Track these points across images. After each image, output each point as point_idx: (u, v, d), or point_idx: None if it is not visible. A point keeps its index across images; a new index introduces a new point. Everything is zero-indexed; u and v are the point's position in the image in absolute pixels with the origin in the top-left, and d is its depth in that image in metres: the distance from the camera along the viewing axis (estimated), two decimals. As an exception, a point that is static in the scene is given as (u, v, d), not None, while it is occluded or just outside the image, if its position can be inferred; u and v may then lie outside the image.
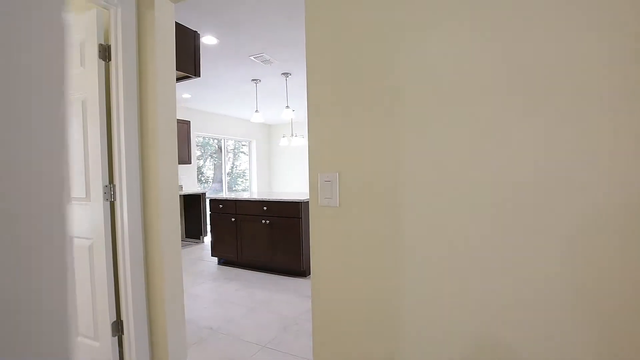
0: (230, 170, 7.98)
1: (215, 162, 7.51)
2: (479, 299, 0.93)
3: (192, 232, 5.83)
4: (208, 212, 4.31)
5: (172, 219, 1.84)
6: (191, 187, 6.22)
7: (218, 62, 3.74)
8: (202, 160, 7.16)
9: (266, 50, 3.40)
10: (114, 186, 1.77)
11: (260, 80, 4.42)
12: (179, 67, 2.07)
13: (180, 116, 5.99)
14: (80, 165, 1.82)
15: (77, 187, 1.84)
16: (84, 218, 1.81)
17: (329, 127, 1.15)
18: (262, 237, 3.90)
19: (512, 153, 0.88)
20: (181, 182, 6.00)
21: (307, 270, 3.79)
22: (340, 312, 1.15)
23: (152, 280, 1.82)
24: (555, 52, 0.82)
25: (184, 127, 5.63)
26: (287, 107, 4.16)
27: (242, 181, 8.21)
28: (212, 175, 7.48)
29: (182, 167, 6.01)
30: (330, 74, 1.13)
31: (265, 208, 3.85)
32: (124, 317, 1.81)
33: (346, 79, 1.10)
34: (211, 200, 4.28)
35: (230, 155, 7.97)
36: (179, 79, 2.28)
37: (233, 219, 4.09)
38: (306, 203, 3.75)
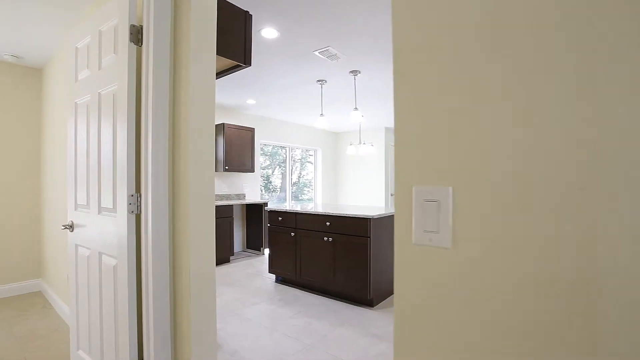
0: (297, 180, 7.77)
1: (283, 171, 7.35)
2: None
3: (253, 243, 5.61)
4: (267, 225, 3.97)
5: (205, 240, 1.44)
6: (254, 196, 6.07)
7: (280, 61, 3.42)
8: (270, 170, 7.04)
9: (332, 43, 2.98)
10: (139, 196, 1.45)
11: (326, 82, 4.02)
12: (225, 53, 1.72)
13: (245, 123, 5.90)
14: (109, 169, 1.54)
15: (106, 195, 1.57)
16: (113, 232, 1.51)
17: (437, 103, 0.62)
18: (323, 256, 3.43)
19: None
20: (244, 191, 5.86)
21: (375, 299, 3.20)
22: None
23: (179, 315, 1.44)
24: None
25: (248, 134, 5.50)
26: (356, 109, 3.68)
27: (308, 191, 7.95)
28: (280, 185, 7.33)
29: (246, 176, 5.88)
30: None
31: (328, 223, 3.38)
32: (145, 358, 1.45)
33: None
34: (270, 212, 3.95)
35: (297, 164, 7.76)
36: (226, 70, 1.94)
37: (292, 234, 3.69)
38: (377, 220, 3.18)
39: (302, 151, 7.68)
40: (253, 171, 5.61)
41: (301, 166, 7.86)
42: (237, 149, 5.31)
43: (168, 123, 1.44)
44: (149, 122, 1.41)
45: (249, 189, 5.95)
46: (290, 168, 7.08)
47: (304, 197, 7.83)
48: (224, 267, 4.65)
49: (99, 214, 1.62)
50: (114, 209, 1.51)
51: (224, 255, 4.81)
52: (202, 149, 1.43)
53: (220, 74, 2.00)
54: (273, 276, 4.14)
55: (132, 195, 1.44)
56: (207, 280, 1.45)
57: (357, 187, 7.75)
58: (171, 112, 1.46)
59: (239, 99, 4.91)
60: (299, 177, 7.83)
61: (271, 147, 6.85)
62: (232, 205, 4.93)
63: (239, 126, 5.35)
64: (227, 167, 5.16)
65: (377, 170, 7.37)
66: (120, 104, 1.47)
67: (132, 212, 1.43)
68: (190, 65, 1.39)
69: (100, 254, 1.62)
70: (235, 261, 5.02)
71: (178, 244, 1.44)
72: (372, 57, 3.29)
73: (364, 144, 6.16)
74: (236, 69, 1.91)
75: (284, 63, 3.45)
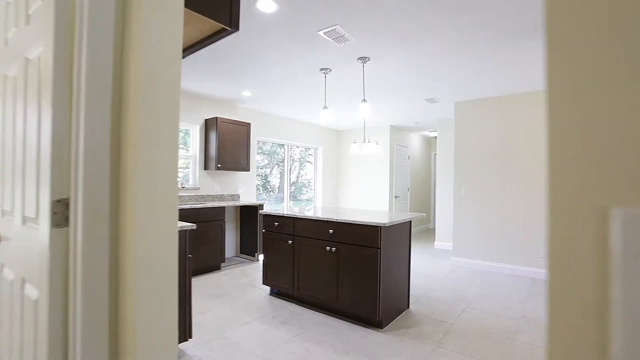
0: (295, 180, 7.34)
1: (281, 171, 6.92)
2: None
3: (247, 247, 5.17)
4: (262, 230, 3.53)
5: (164, 272, 0.99)
6: (249, 197, 5.62)
7: (279, 44, 2.98)
8: (268, 169, 6.61)
9: (340, 22, 2.54)
10: (67, 202, 1.00)
11: (330, 70, 3.58)
12: (203, 10, 1.27)
13: (241, 117, 5.45)
14: (33, 164, 1.09)
15: (29, 200, 1.12)
16: (36, 253, 1.06)
17: None
18: (325, 268, 2.99)
19: None
20: (238, 191, 5.41)
21: (385, 320, 2.76)
22: None
23: (125, 377, 0.99)
24: None
25: (243, 130, 5.05)
26: (364, 100, 3.24)
27: (307, 191, 7.52)
28: (279, 184, 6.91)
29: (240, 175, 5.43)
30: None
31: (331, 231, 2.93)
32: None
33: None
34: (265, 216, 3.50)
35: (297, 164, 7.33)
36: (207, 39, 1.49)
37: (290, 242, 3.25)
38: (388, 228, 2.74)
39: (301, 150, 7.23)
40: (248, 170, 5.16)
41: (300, 166, 7.42)
42: (231, 146, 4.87)
43: (110, 97, 0.99)
44: (81, 96, 0.96)
45: (243, 189, 5.50)
46: (289, 167, 6.63)
47: (303, 198, 7.39)
48: (214, 276, 4.20)
49: (23, 224, 1.18)
50: (37, 219, 1.06)
51: (214, 262, 4.36)
52: (161, 137, 0.99)
53: (199, 43, 1.55)
54: (267, 288, 3.69)
55: (59, 201, 0.99)
56: (166, 335, 1.00)
57: (360, 189, 7.30)
58: (116, 80, 1.01)
59: (234, 90, 4.46)
60: (298, 176, 7.41)
61: (269, 145, 6.40)
62: (224, 207, 4.48)
63: (233, 121, 4.90)
64: (219, 165, 4.71)
65: (382, 171, 6.93)
66: (46, 71, 1.02)
67: (58, 225, 0.99)
68: (145, 9, 0.94)
69: (23, 280, 1.18)
70: (226, 268, 4.57)
71: (124, 273, 0.99)
72: (383, 41, 2.85)
73: (369, 142, 5.71)
74: (219, 36, 1.46)
75: (284, 46, 3.01)
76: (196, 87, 4.37)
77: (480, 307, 3.25)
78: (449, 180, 6.02)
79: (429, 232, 7.97)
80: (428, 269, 4.67)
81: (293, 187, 7.21)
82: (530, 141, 4.34)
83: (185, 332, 2.29)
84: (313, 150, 7.35)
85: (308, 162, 7.55)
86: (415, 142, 8.06)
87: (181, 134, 4.82)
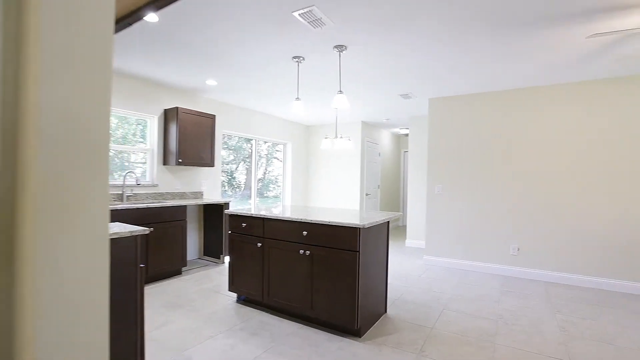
0: (262, 176, 7.01)
1: (248, 167, 6.56)
2: None
3: (212, 249, 4.80)
4: (227, 231, 3.22)
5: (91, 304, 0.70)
6: (214, 195, 5.23)
7: (249, 26, 2.68)
8: (235, 165, 6.24)
9: (317, 3, 2.29)
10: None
11: (303, 59, 3.32)
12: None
13: (204, 109, 5.04)
14: None
15: None
16: None
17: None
18: (299, 273, 2.75)
19: None
20: (202, 188, 5.02)
21: (363, 327, 2.58)
22: None
23: None
24: None
25: (207, 122, 4.66)
26: (340, 92, 3.02)
27: (274, 187, 7.22)
28: (245, 181, 6.54)
29: (204, 171, 5.04)
30: None
31: (305, 233, 2.69)
32: None
33: None
34: (231, 217, 3.19)
35: (264, 160, 7.00)
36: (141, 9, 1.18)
37: (259, 244, 2.97)
38: (367, 230, 2.55)
39: (269, 146, 6.92)
40: (213, 165, 4.78)
41: (267, 162, 7.11)
42: (193, 139, 4.47)
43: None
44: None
45: (207, 186, 5.11)
46: (256, 163, 6.30)
47: (270, 194, 7.09)
48: (174, 282, 3.82)
49: None
50: None
51: (174, 267, 3.97)
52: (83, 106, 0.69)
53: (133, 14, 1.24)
54: (234, 295, 3.39)
55: None
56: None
57: (330, 186, 7.12)
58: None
59: (197, 78, 4.07)
60: (265, 173, 7.10)
61: (235, 140, 6.03)
62: (185, 205, 4.09)
63: (196, 112, 4.50)
64: (180, 160, 4.31)
65: (353, 168, 6.79)
66: None
67: None
68: None
69: None
70: (188, 273, 4.20)
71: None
72: (363, 28, 2.64)
73: (341, 137, 5.53)
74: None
75: (254, 29, 2.71)
76: (154, 74, 3.94)
77: (457, 308, 3.16)
78: (421, 178, 5.99)
79: (399, 230, 7.97)
80: (402, 268, 4.57)
81: (260, 184, 6.89)
82: (502, 139, 4.35)
83: (136, 354, 1.96)
84: (282, 146, 7.06)
85: (275, 158, 7.25)
86: (385, 139, 8.00)
87: (138, 126, 4.35)
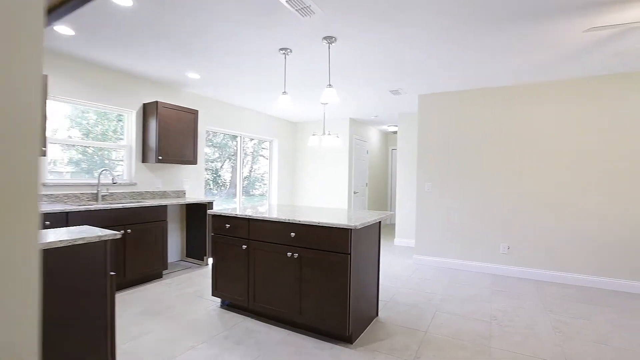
0: (248, 174, 6.82)
1: (233, 165, 6.35)
2: None
3: (195, 250, 4.59)
4: (211, 233, 3.04)
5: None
6: (197, 194, 5.02)
7: (234, 13, 2.50)
8: (219, 163, 6.02)
9: (305, -11, 2.14)
10: None
11: (291, 51, 3.16)
12: None
13: (187, 103, 4.81)
14: None
15: None
16: None
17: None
18: (286, 276, 2.60)
19: None
20: (184, 187, 4.80)
21: (355, 333, 2.45)
22: None
23: None
24: None
25: (189, 118, 4.44)
26: (330, 85, 2.87)
27: (260, 185, 7.02)
28: (231, 179, 6.33)
29: (186, 169, 4.82)
30: None
31: (293, 234, 2.54)
32: None
33: None
34: (214, 217, 3.01)
35: (249, 158, 6.80)
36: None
37: (244, 246, 2.81)
38: (359, 231, 2.42)
39: (254, 143, 6.72)
40: (196, 163, 4.57)
41: (253, 160, 6.91)
42: (175, 135, 4.25)
43: None
44: None
45: (190, 184, 4.89)
46: (242, 161, 6.09)
47: (256, 193, 6.91)
48: (154, 286, 3.61)
49: None
50: None
51: (154, 270, 3.76)
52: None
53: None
54: (218, 300, 3.21)
55: None
56: None
57: (317, 184, 6.98)
58: None
59: (178, 70, 3.86)
60: (251, 171, 6.90)
61: (221, 137, 5.81)
62: (166, 205, 3.88)
63: (178, 106, 4.27)
64: (161, 158, 4.08)
65: (341, 165, 6.66)
66: None
67: None
68: None
69: None
70: (170, 276, 3.99)
71: None
72: (354, 19, 2.50)
73: (329, 134, 5.39)
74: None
75: (239, 18, 2.53)
76: (131, 65, 3.70)
77: (450, 309, 3.07)
78: (409, 176, 5.91)
79: (388, 228, 7.89)
80: (392, 268, 4.48)
81: (246, 182, 6.70)
82: (494, 137, 4.29)
83: (107, 371, 1.77)
84: (268, 143, 6.87)
85: (262, 156, 7.05)
86: (373, 137, 7.91)
87: (119, 122, 4.10)
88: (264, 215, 2.70)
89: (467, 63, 3.42)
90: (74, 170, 3.73)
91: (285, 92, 3.14)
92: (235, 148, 6.30)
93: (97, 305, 1.70)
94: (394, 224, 6.74)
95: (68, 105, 3.61)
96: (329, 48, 3.05)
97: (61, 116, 3.60)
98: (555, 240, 3.95)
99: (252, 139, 6.65)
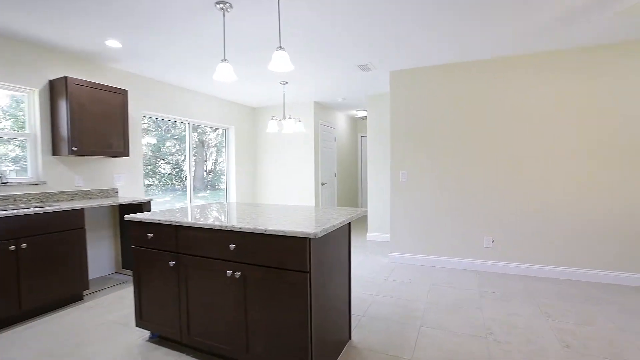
0: (212, 168, 6.04)
1: (196, 157, 5.54)
2: None
3: (132, 260, 3.81)
4: (131, 245, 2.32)
5: None
6: (134, 191, 4.19)
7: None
8: (181, 156, 5.19)
9: None
10: None
11: (230, 5, 2.44)
12: None
13: (112, 82, 3.92)
14: None
15: None
16: None
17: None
18: (227, 302, 1.94)
19: None
20: (116, 185, 3.96)
21: (320, 374, 1.84)
22: None
23: None
24: None
25: (116, 100, 3.60)
26: (281, 47, 2.19)
27: (225, 179, 6.25)
28: (194, 174, 5.53)
29: (117, 163, 3.97)
30: None
31: (232, 246, 1.87)
32: None
33: None
34: (131, 224, 2.28)
35: (213, 150, 6.00)
36: None
37: (172, 262, 2.11)
38: (319, 240, 1.80)
39: (218, 134, 5.92)
40: (127, 155, 3.74)
41: (217, 152, 6.13)
42: (95, 121, 3.40)
43: None
44: None
45: (126, 180, 4.06)
46: (190, 152, 5.28)
47: (222, 187, 6.14)
48: (68, 314, 2.83)
49: None
50: None
51: (69, 292, 2.96)
52: None
53: None
54: (147, 332, 2.49)
55: None
56: None
57: (282, 176, 6.29)
58: None
59: (93, 37, 3.01)
60: (215, 163, 6.12)
61: (181, 127, 4.96)
62: (82, 209, 3.06)
63: (97, 84, 3.42)
64: (75, 149, 3.24)
65: (306, 154, 6.00)
66: None
67: None
68: None
69: None
70: (95, 296, 3.20)
71: None
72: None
73: (290, 119, 4.71)
74: None
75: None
76: (30, 31, 2.82)
77: (437, 322, 2.55)
78: (382, 164, 5.36)
79: (359, 221, 7.38)
80: (364, 270, 3.93)
81: (211, 176, 5.93)
82: (475, 119, 3.80)
83: None
84: (223, 131, 6.08)
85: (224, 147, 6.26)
86: (341, 123, 7.30)
87: (6, 104, 3.19)
88: (194, 222, 2.01)
89: (442, 26, 2.85)
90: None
91: (225, 59, 2.42)
92: (197, 139, 5.48)
93: None
94: (366, 217, 6.29)
95: None
96: (279, 5, 2.36)
97: None
98: (544, 231, 3.55)
99: (215, 130, 5.85)
